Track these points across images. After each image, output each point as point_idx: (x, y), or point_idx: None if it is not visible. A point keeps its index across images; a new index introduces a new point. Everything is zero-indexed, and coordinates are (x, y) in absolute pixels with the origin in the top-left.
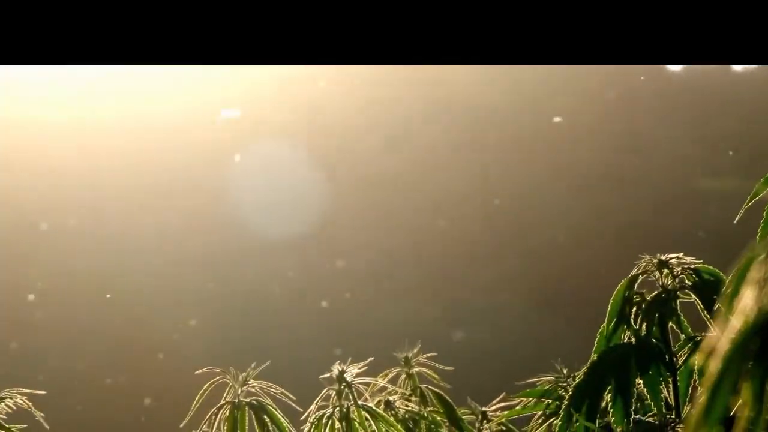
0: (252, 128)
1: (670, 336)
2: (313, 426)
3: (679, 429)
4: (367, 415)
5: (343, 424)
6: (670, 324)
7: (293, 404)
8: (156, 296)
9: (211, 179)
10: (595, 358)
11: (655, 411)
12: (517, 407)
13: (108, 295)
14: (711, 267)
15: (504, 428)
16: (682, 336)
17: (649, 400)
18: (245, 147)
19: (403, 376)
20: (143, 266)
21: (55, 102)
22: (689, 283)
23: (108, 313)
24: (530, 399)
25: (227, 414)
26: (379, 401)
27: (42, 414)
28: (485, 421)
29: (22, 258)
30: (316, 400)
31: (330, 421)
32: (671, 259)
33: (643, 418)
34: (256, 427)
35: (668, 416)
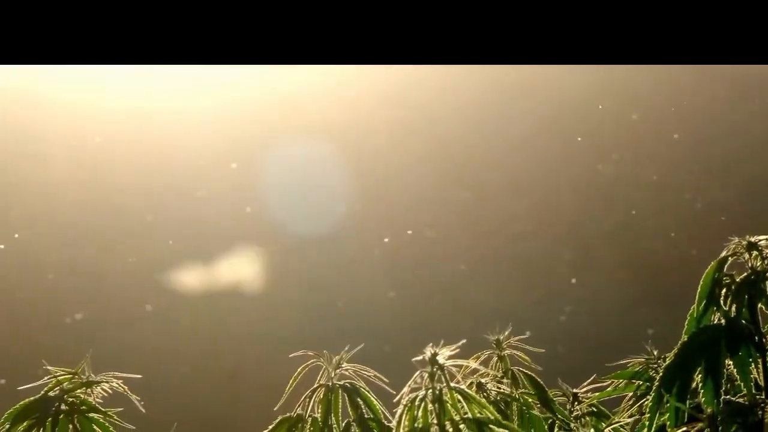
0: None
1: (760, 317)
2: (407, 408)
3: None
4: (460, 397)
5: (436, 406)
6: (760, 305)
7: (386, 387)
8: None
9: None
10: (686, 339)
11: (745, 392)
12: (608, 389)
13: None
14: None
15: (595, 409)
16: None
17: (739, 381)
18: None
19: (495, 358)
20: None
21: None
22: None
23: (197, 304)
24: (621, 380)
25: (321, 396)
26: (471, 383)
27: (138, 398)
28: (576, 403)
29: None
30: (409, 383)
31: (423, 403)
32: (761, 241)
33: (733, 398)
34: (349, 409)
35: (758, 397)
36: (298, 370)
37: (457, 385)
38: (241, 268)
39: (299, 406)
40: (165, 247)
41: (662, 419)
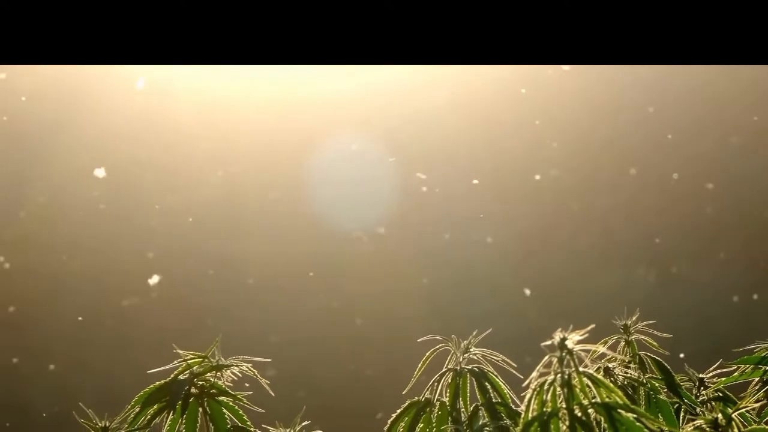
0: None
1: None
2: (535, 393)
3: None
4: (589, 382)
5: (565, 390)
6: None
7: (514, 372)
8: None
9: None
10: None
11: None
12: (735, 374)
13: (311, 273)
14: None
15: (721, 395)
16: None
17: None
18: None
19: (622, 343)
20: (352, 247)
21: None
22: None
23: (317, 290)
24: (747, 366)
25: (449, 381)
26: (599, 368)
27: (267, 381)
28: (702, 388)
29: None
30: (538, 367)
31: (552, 387)
32: None
33: None
34: (477, 393)
35: None
36: (427, 354)
37: (585, 370)
38: (361, 256)
39: (427, 390)
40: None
41: None
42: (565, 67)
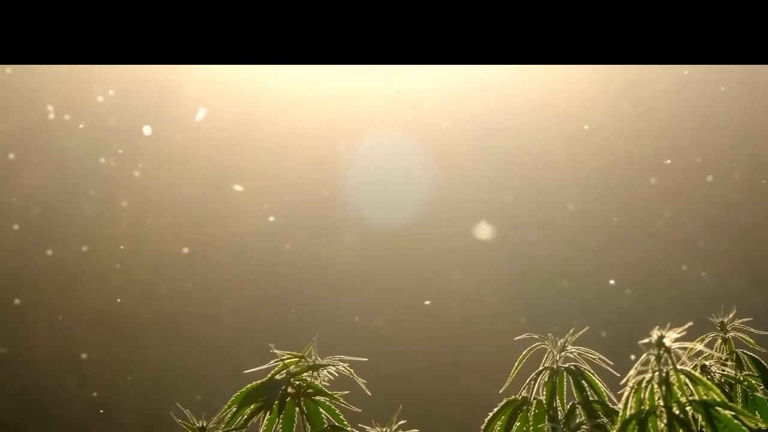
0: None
1: None
2: (633, 390)
3: None
4: (686, 380)
5: (663, 388)
6: None
7: (611, 370)
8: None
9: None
10: None
11: None
12: None
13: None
14: None
15: None
16: None
17: None
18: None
19: (719, 341)
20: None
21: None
22: None
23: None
24: None
25: (546, 379)
26: (695, 366)
27: (363, 380)
28: None
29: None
30: (635, 365)
31: (649, 385)
32: None
33: None
34: (574, 392)
35: None
36: (524, 353)
37: (683, 368)
38: (451, 254)
39: (524, 388)
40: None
41: None
42: (685, 70)
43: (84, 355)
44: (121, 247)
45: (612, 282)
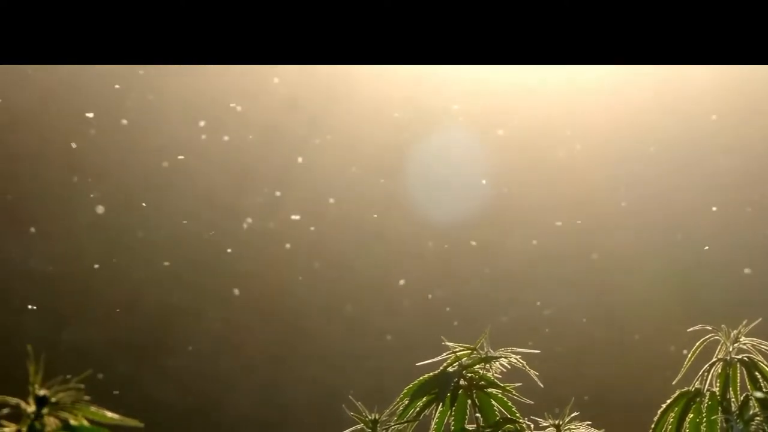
0: None
1: None
2: None
3: None
4: None
5: None
6: None
7: None
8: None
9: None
10: None
11: None
12: None
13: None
14: None
15: None
16: None
17: None
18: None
19: None
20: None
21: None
22: None
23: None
24: None
25: (719, 371)
26: None
27: (536, 372)
28: None
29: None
30: None
31: None
32: None
33: None
34: (747, 383)
35: None
36: (696, 345)
37: None
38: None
39: (697, 380)
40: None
41: None
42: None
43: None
44: None
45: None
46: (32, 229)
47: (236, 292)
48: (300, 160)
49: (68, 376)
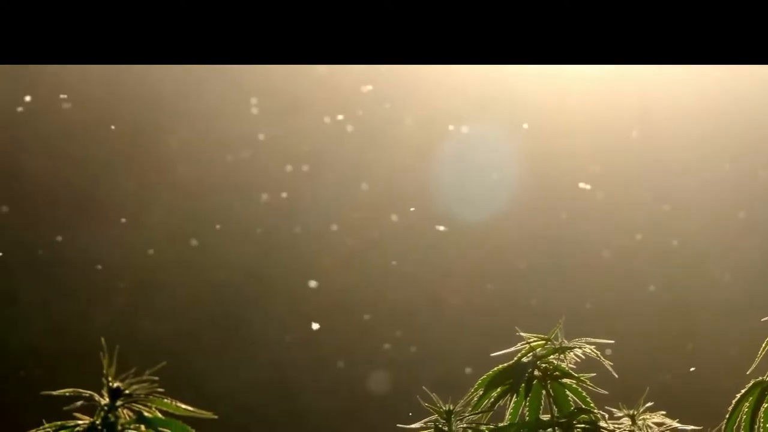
0: None
1: None
2: None
3: None
4: None
5: None
6: None
7: None
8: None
9: None
10: None
11: None
12: None
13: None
14: None
15: None
16: None
17: None
18: None
19: None
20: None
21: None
22: None
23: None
24: None
25: None
26: None
27: (610, 363)
28: None
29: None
30: None
31: None
32: None
33: None
34: None
35: None
36: None
37: None
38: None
39: None
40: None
41: None
42: None
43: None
44: None
45: None
46: (123, 220)
47: (312, 284)
48: None
49: (136, 369)
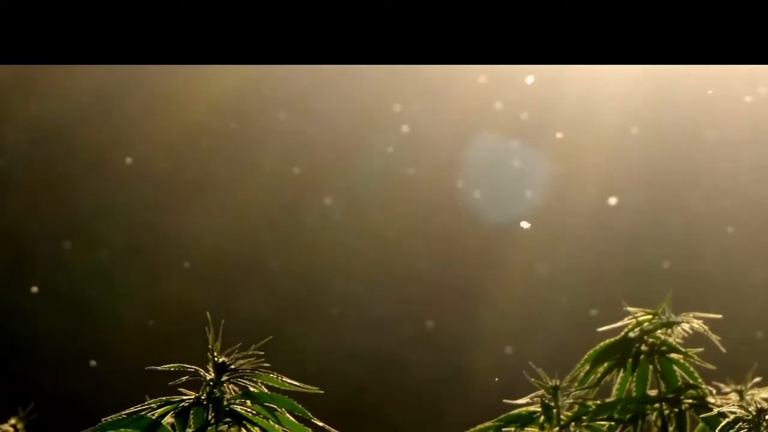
0: None
1: None
2: None
3: None
4: None
5: None
6: None
7: None
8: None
9: None
10: None
11: None
12: None
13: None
14: None
15: None
16: None
17: None
18: None
19: None
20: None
21: None
22: None
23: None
24: None
25: None
26: None
27: (718, 337)
28: None
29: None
30: None
31: None
32: None
33: None
34: None
35: None
36: None
37: None
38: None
39: None
40: None
41: None
42: None
43: (431, 322)
44: None
45: None
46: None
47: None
48: None
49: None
